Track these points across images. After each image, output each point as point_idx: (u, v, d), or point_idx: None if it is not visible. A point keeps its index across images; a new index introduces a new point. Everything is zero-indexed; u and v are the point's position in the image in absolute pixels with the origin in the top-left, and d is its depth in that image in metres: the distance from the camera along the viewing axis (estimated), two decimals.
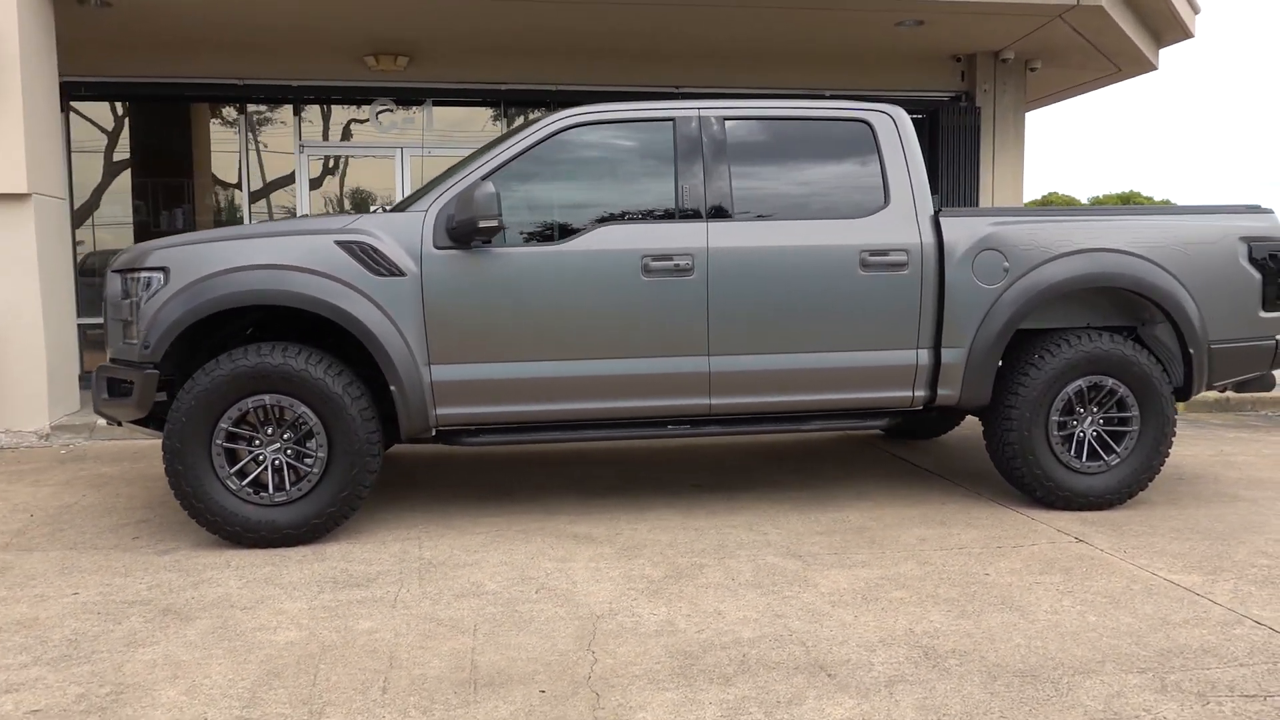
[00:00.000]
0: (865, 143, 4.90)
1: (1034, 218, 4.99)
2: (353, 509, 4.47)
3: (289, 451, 4.38)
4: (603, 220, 4.68)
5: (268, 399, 4.32)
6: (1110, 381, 4.89)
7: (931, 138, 10.85)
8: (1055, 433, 4.87)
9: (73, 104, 9.65)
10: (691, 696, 2.90)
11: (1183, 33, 10.37)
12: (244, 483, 4.35)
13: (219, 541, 4.42)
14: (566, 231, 4.66)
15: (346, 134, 10.59)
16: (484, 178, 4.55)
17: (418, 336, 4.47)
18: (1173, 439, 4.99)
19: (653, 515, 4.91)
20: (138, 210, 10.11)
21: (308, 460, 4.38)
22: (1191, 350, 4.98)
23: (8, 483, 5.84)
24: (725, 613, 3.56)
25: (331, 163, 10.78)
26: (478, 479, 5.79)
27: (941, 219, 4.86)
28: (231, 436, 4.34)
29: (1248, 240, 5.06)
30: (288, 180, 10.44)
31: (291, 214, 10.44)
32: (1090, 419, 4.93)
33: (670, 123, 4.78)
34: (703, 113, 4.81)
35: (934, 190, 5.94)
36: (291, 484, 4.38)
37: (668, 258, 4.62)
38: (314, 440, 4.36)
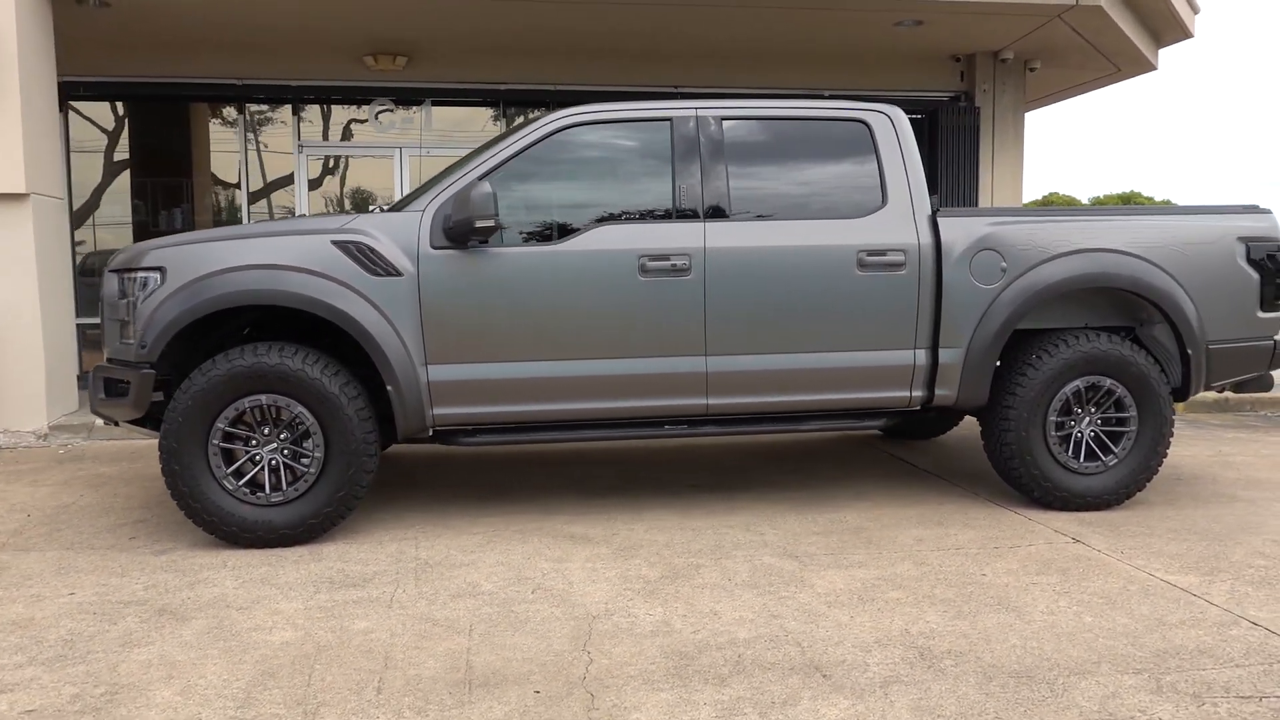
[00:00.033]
0: (863, 143, 4.90)
1: (1031, 218, 4.99)
2: (349, 509, 4.47)
3: (286, 451, 4.38)
4: (600, 220, 4.68)
5: (264, 399, 4.32)
6: (1108, 382, 4.89)
7: (931, 138, 10.84)
8: (1053, 433, 4.87)
9: (71, 104, 9.65)
10: (686, 697, 2.89)
11: (1182, 33, 10.36)
12: (240, 483, 4.34)
13: (216, 541, 4.42)
14: (563, 231, 4.65)
15: (346, 134, 10.59)
16: (481, 177, 4.55)
17: (414, 336, 4.46)
18: (1171, 439, 4.99)
19: (650, 515, 4.91)
20: (137, 210, 10.11)
21: (304, 460, 4.38)
22: (1189, 350, 4.98)
23: (5, 482, 5.84)
24: (721, 613, 3.56)
25: (331, 163, 10.78)
26: (476, 479, 5.79)
27: (939, 219, 4.86)
28: (228, 436, 4.34)
29: (1246, 240, 5.05)
30: (287, 180, 10.44)
31: (291, 214, 10.45)
32: (1088, 419, 4.93)
33: (668, 123, 4.77)
34: (700, 113, 4.80)
35: (933, 190, 5.92)
36: (288, 484, 4.38)
37: (665, 258, 4.61)
38: (311, 440, 4.36)
